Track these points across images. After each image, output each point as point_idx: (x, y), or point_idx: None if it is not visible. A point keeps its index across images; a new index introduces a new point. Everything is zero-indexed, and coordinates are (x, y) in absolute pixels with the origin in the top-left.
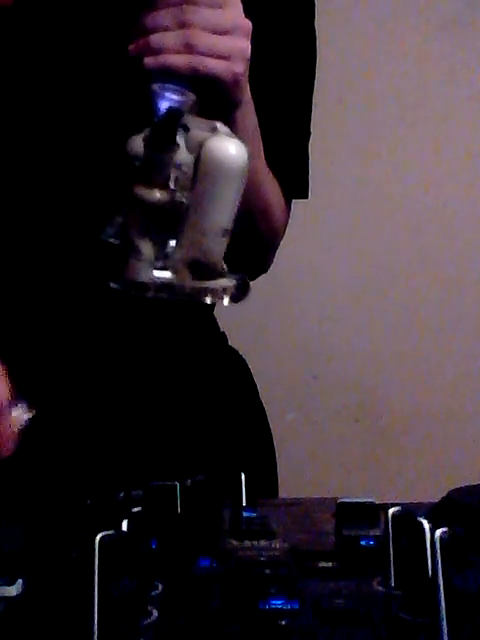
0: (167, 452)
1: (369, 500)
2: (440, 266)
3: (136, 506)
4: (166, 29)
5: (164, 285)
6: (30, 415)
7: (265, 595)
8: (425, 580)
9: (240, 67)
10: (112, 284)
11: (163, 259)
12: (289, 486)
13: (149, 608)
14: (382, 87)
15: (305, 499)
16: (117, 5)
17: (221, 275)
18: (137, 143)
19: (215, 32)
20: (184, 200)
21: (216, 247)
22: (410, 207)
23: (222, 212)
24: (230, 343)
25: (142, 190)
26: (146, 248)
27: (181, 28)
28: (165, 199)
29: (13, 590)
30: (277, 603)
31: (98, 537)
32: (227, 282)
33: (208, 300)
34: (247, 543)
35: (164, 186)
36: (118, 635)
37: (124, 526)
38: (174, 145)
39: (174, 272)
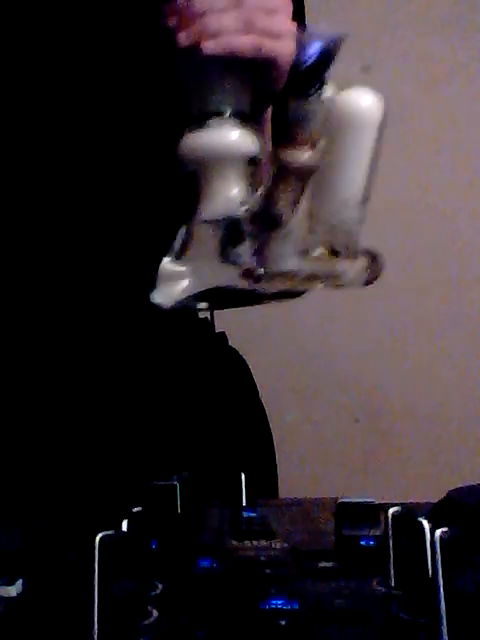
0: (167, 452)
1: (369, 500)
2: (440, 266)
3: (136, 506)
4: (220, 11)
5: (310, 274)
6: None
7: (265, 595)
8: (425, 580)
9: (292, 47)
10: (258, 274)
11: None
12: (289, 486)
13: (149, 608)
14: (382, 87)
15: (305, 499)
16: (117, 5)
17: (357, 254)
18: (190, 142)
19: (266, 12)
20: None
21: (356, 218)
22: (410, 207)
23: (361, 174)
24: (230, 343)
25: (288, 152)
26: (295, 226)
27: (236, 8)
28: (315, 160)
29: (13, 590)
30: (277, 603)
31: (98, 537)
32: (362, 262)
33: (347, 285)
34: (247, 543)
35: (312, 144)
36: (118, 635)
37: (124, 526)
38: (323, 93)
39: (310, 256)
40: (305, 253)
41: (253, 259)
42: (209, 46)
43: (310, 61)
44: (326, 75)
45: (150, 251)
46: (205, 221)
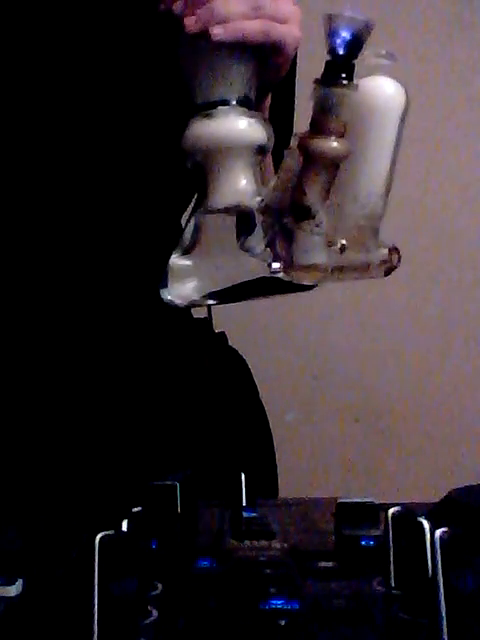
0: (167, 452)
1: (369, 500)
2: (440, 266)
3: (136, 506)
4: None
5: (337, 266)
6: None
7: (265, 595)
8: (425, 580)
9: (299, 31)
10: (274, 268)
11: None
12: (289, 486)
13: (149, 608)
14: None
15: (305, 499)
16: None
17: (378, 245)
18: (195, 132)
19: None
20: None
21: (380, 207)
22: (410, 207)
23: (384, 165)
24: (230, 343)
25: (316, 141)
26: (324, 217)
27: None
28: (344, 148)
29: (13, 590)
30: (277, 603)
31: (98, 537)
32: (382, 253)
33: (368, 277)
34: (247, 543)
35: (341, 133)
36: (118, 635)
37: (124, 526)
38: (352, 82)
39: (332, 248)
40: (328, 245)
41: (269, 250)
42: (218, 32)
43: (341, 48)
44: (355, 62)
45: (149, 250)
46: (215, 212)
